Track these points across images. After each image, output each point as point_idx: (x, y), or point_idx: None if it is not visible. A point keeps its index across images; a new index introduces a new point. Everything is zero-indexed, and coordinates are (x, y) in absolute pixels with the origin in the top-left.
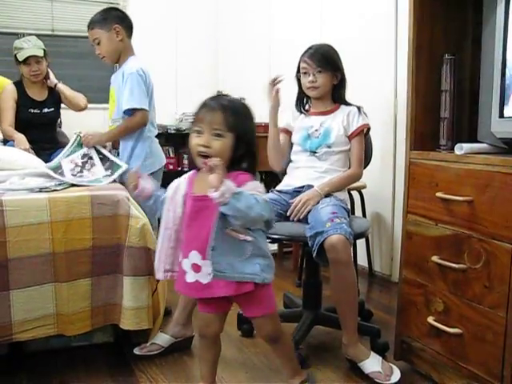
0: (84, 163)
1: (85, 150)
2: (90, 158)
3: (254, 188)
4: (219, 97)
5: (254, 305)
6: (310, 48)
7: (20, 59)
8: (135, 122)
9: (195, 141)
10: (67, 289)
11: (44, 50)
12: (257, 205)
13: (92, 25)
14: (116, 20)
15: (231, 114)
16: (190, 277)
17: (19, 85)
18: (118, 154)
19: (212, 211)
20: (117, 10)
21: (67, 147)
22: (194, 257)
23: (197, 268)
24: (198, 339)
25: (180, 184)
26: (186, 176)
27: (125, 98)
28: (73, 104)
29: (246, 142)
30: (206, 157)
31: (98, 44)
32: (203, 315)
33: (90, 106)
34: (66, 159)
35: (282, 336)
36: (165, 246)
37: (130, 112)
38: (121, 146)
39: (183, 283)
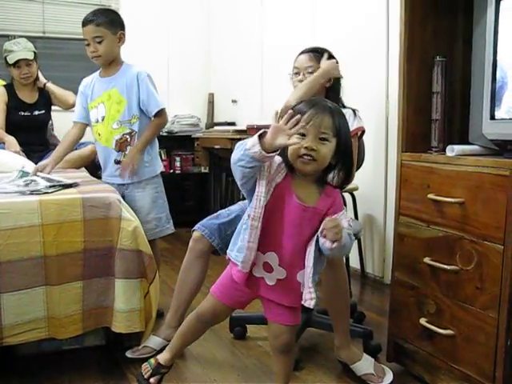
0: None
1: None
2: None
3: (347, 221)
4: (321, 100)
5: (293, 313)
6: (305, 48)
7: (10, 62)
8: (164, 121)
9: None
10: (58, 292)
11: (34, 53)
12: (350, 243)
13: (98, 21)
14: (122, 26)
15: (338, 118)
16: (258, 271)
17: (9, 87)
18: (124, 156)
19: (311, 226)
20: (120, 15)
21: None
22: (271, 257)
23: (269, 268)
24: (190, 317)
25: (274, 170)
26: (280, 164)
27: (151, 101)
28: (62, 102)
29: (347, 148)
30: (309, 160)
31: (99, 43)
32: (218, 305)
33: None
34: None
35: (293, 351)
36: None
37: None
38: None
39: (246, 275)
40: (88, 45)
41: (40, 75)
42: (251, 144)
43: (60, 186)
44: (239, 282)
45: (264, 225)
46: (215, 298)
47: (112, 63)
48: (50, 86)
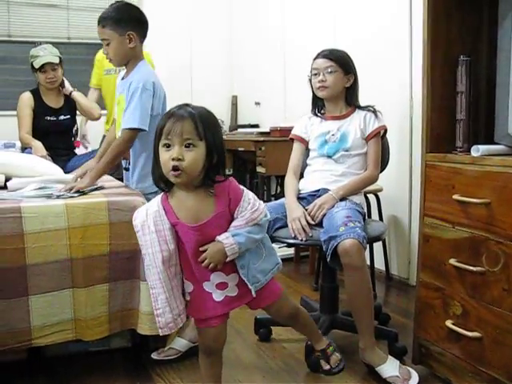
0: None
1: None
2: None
3: (252, 207)
4: (184, 106)
5: (268, 293)
6: (323, 50)
7: (36, 66)
8: (127, 142)
9: (166, 155)
10: (85, 294)
11: (60, 58)
12: (259, 233)
13: (103, 22)
14: (131, 25)
15: (200, 121)
16: (218, 295)
17: (36, 93)
18: (128, 170)
19: (220, 231)
20: (135, 9)
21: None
22: (217, 277)
23: (223, 286)
24: (201, 360)
25: (156, 219)
26: (155, 208)
27: (127, 115)
28: (86, 113)
29: (218, 148)
30: (179, 170)
31: (108, 45)
32: (211, 330)
33: (104, 112)
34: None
35: (299, 311)
36: (172, 289)
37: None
38: (132, 160)
39: (211, 305)
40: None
41: (66, 83)
42: None
43: (86, 189)
44: (205, 325)
45: (187, 259)
46: (203, 328)
47: (129, 64)
48: (76, 95)
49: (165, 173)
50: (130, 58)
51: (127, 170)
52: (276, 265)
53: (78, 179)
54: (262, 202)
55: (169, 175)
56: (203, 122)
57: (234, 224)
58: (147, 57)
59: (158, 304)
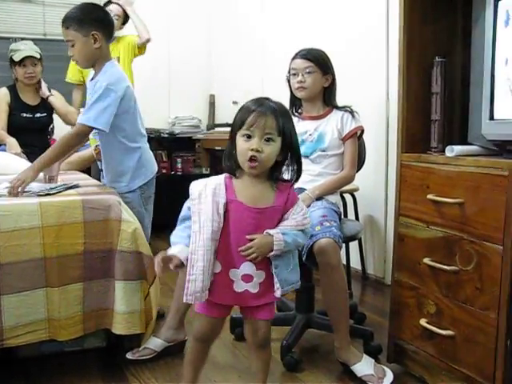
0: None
1: None
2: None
3: (303, 214)
4: (265, 100)
5: (269, 308)
6: (301, 50)
7: (16, 60)
8: (76, 138)
9: (246, 145)
10: (59, 294)
11: (40, 55)
12: (303, 239)
13: (67, 23)
14: (95, 25)
15: (281, 117)
16: (239, 286)
17: (12, 89)
18: (101, 170)
19: (269, 225)
20: (98, 9)
21: None
22: (247, 267)
23: (248, 278)
24: (192, 343)
25: (215, 191)
26: (217, 181)
27: (85, 111)
28: (62, 118)
29: (290, 147)
30: (256, 161)
31: (72, 46)
32: (211, 320)
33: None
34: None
35: (269, 347)
36: (209, 261)
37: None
38: (104, 161)
39: (230, 293)
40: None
41: (43, 86)
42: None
43: (61, 187)
44: (206, 313)
45: (227, 241)
46: (202, 315)
47: (96, 65)
48: (53, 100)
49: (240, 161)
50: (96, 59)
51: (102, 170)
52: (296, 283)
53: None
54: None
55: (244, 164)
56: (283, 118)
57: (284, 223)
58: (132, 38)
59: (193, 270)
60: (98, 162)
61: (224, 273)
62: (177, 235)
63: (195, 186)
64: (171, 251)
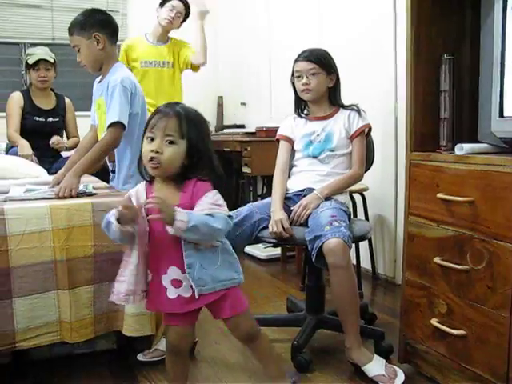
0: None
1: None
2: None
3: (213, 201)
4: (173, 104)
5: (228, 305)
6: (303, 52)
7: (30, 62)
8: (115, 138)
9: (147, 147)
10: (69, 296)
11: (54, 60)
12: (214, 223)
13: (71, 30)
14: (96, 26)
15: (185, 120)
16: (172, 292)
17: (26, 93)
18: (114, 172)
19: None
20: (100, 12)
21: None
22: (173, 272)
23: (177, 283)
24: (167, 358)
25: (138, 197)
26: (140, 188)
27: (109, 111)
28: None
29: (199, 149)
30: (155, 164)
31: (79, 51)
32: (177, 329)
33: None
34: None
35: (258, 334)
36: (142, 265)
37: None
38: (117, 161)
39: (164, 300)
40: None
41: (57, 138)
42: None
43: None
44: (162, 310)
45: (153, 247)
46: (171, 326)
47: (103, 67)
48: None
49: (144, 163)
50: (102, 61)
51: (113, 172)
52: (230, 279)
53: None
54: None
55: (147, 165)
56: (188, 122)
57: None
58: (188, 53)
59: (124, 272)
60: (110, 164)
61: (156, 280)
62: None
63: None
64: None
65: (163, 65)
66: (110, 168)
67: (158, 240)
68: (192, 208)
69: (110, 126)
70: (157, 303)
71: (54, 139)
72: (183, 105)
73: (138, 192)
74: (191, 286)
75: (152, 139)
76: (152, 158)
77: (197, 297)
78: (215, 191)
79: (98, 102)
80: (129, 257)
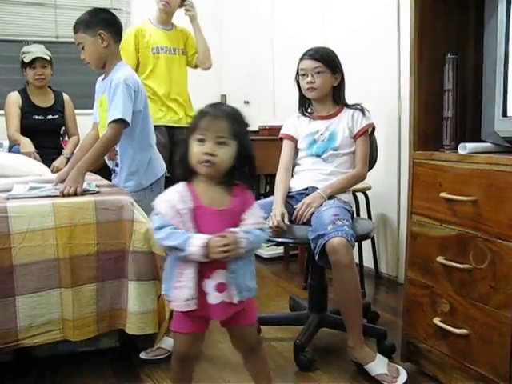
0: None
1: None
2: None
3: (259, 215)
4: (220, 104)
5: (246, 315)
6: (308, 50)
7: (26, 60)
8: (116, 134)
9: (198, 149)
10: (72, 294)
11: (50, 57)
12: (264, 236)
13: (76, 28)
14: (101, 24)
15: (235, 121)
16: (213, 298)
17: (23, 92)
18: (117, 165)
19: (231, 227)
20: (105, 11)
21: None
22: (220, 275)
23: (222, 287)
24: (174, 363)
25: (182, 199)
26: (179, 190)
27: (111, 108)
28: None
29: (246, 151)
30: (209, 165)
31: (83, 49)
32: (189, 337)
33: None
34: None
35: (260, 348)
36: (196, 269)
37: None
38: (120, 158)
39: (205, 305)
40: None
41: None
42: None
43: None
44: (183, 330)
45: None
46: (179, 333)
47: (106, 65)
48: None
49: (193, 163)
50: (106, 59)
51: (114, 170)
52: (254, 289)
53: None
54: None
55: (197, 166)
56: (238, 123)
57: (244, 223)
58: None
59: (181, 277)
60: (110, 162)
61: (199, 285)
62: (175, 233)
63: (160, 202)
64: (199, 241)
65: (174, 52)
66: (110, 166)
67: None
68: (240, 214)
69: (111, 122)
70: (199, 308)
71: (52, 167)
72: (228, 105)
73: (182, 196)
74: (232, 291)
75: (202, 141)
76: (206, 161)
77: (235, 301)
78: (257, 205)
79: (101, 100)
80: (184, 262)
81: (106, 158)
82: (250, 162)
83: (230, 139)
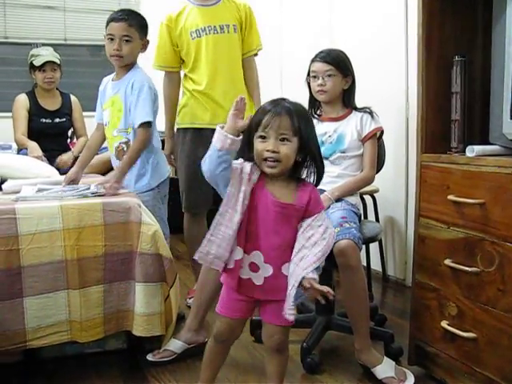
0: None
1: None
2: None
3: (325, 224)
4: (281, 101)
5: (278, 314)
6: (320, 52)
7: (37, 64)
8: (147, 137)
9: (261, 146)
10: (80, 296)
11: (59, 61)
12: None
13: (131, 22)
14: (147, 34)
15: (296, 117)
16: (245, 273)
17: (31, 95)
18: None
19: (288, 223)
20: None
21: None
22: (256, 257)
23: (255, 268)
24: (211, 343)
25: (251, 171)
26: (253, 167)
27: (138, 111)
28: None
29: (309, 147)
30: (275, 161)
31: (126, 41)
32: (231, 321)
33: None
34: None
35: (286, 351)
36: (232, 231)
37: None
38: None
39: (236, 278)
40: (111, 40)
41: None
42: (217, 140)
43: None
44: (231, 287)
45: (245, 225)
46: (222, 316)
47: (126, 67)
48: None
49: (257, 162)
50: (132, 62)
51: None
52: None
53: (105, 185)
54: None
55: (261, 164)
56: (299, 119)
57: (308, 259)
58: None
59: (215, 231)
60: (117, 160)
61: (237, 258)
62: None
63: (236, 162)
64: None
65: (221, 30)
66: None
67: (267, 222)
68: (305, 212)
69: (141, 125)
70: (228, 278)
71: (58, 160)
72: (289, 100)
73: (253, 170)
74: (265, 279)
75: (264, 138)
76: (270, 158)
77: (262, 282)
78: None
79: (113, 99)
80: (226, 219)
81: (114, 158)
82: (315, 157)
83: (292, 135)
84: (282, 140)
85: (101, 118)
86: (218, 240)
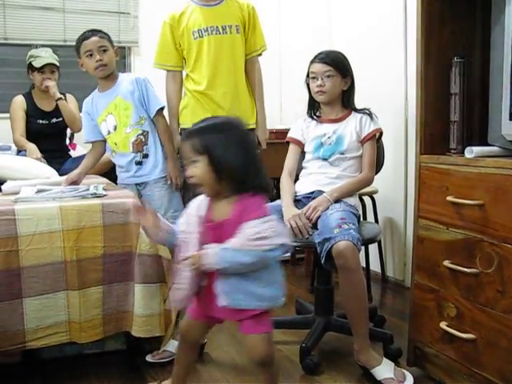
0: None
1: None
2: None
3: (252, 234)
4: (201, 121)
5: (257, 322)
6: (319, 53)
7: (37, 66)
8: (165, 119)
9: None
10: (79, 297)
11: (58, 62)
12: (244, 257)
13: (100, 34)
14: (112, 43)
15: (197, 136)
16: (222, 300)
17: (28, 96)
18: (144, 156)
19: (228, 239)
20: None
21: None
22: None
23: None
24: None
25: (199, 204)
26: (202, 198)
27: (151, 101)
28: (69, 124)
29: (225, 159)
30: (198, 186)
31: (104, 51)
32: (192, 322)
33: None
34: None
35: (273, 361)
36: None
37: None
38: (149, 146)
39: (214, 307)
40: (90, 56)
41: (55, 89)
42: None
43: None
44: (191, 314)
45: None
46: (187, 314)
47: (110, 76)
48: (62, 104)
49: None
50: (113, 70)
51: (139, 163)
52: (274, 300)
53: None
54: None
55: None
56: (200, 136)
57: (232, 240)
58: None
59: (180, 279)
60: (137, 154)
61: (209, 286)
62: None
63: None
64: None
65: (223, 31)
66: (137, 159)
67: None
68: (240, 224)
69: (157, 111)
70: (206, 309)
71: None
72: (212, 117)
73: (200, 203)
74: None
75: (183, 166)
76: (192, 185)
77: (218, 305)
78: (264, 219)
79: (115, 103)
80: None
81: (132, 150)
82: (232, 171)
83: (196, 156)
84: (193, 163)
85: (96, 135)
86: (185, 285)
